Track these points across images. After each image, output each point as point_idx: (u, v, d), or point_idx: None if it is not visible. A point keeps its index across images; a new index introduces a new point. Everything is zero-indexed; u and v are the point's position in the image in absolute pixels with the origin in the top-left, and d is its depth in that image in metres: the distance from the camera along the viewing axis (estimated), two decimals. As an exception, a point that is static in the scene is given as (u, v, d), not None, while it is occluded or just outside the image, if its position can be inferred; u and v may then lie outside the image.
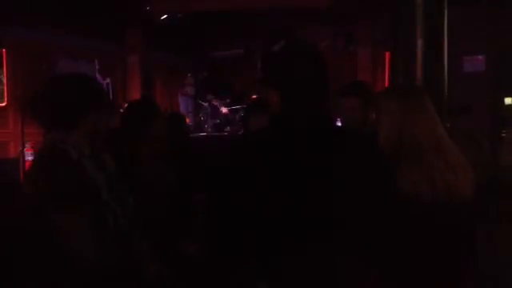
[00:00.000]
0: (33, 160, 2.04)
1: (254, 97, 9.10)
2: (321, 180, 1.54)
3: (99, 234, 1.80)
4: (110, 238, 1.84)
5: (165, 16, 9.05)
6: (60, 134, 1.85)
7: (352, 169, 1.56)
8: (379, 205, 1.58)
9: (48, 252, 1.76)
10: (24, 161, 6.22)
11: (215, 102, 9.89)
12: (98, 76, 8.36)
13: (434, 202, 1.77)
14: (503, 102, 6.49)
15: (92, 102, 1.91)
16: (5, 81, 6.97)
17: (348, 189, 1.54)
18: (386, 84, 8.23)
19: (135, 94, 8.99)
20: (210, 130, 9.45)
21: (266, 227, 1.55)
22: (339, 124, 3.02)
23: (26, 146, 6.29)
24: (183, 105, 9.67)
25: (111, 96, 8.53)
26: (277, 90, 1.64)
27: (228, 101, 9.98)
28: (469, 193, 1.86)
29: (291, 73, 1.61)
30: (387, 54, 8.22)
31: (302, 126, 1.61)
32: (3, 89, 6.98)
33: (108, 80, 8.54)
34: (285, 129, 1.62)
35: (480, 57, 6.36)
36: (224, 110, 9.79)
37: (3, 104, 7.03)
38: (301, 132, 1.60)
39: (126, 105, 8.33)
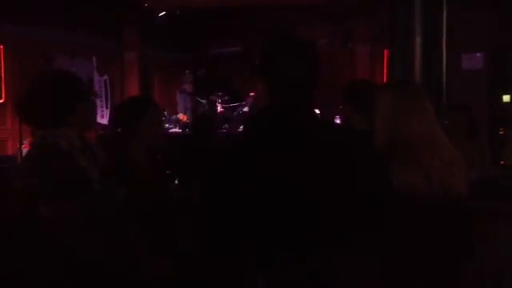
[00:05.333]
0: (24, 155, 2.05)
1: (252, 94, 9.10)
2: (316, 178, 1.53)
3: (90, 224, 1.80)
4: (101, 228, 1.84)
5: (163, 13, 9.03)
6: (49, 131, 1.85)
7: (347, 166, 1.55)
8: (375, 202, 1.58)
9: (40, 242, 1.76)
10: (22, 158, 6.20)
11: (214, 98, 9.88)
12: (96, 73, 8.34)
13: (429, 199, 1.77)
14: (501, 99, 6.49)
15: (78, 99, 1.91)
16: (3, 77, 6.95)
17: (343, 187, 1.54)
18: (385, 81, 8.23)
19: (133, 91, 8.97)
20: (208, 127, 9.43)
21: (265, 226, 1.55)
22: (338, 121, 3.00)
23: (24, 143, 6.27)
24: (181, 102, 9.65)
25: (109, 93, 8.52)
26: (265, 82, 1.64)
27: (226, 98, 9.97)
28: (464, 190, 1.86)
29: (275, 66, 1.61)
30: (386, 52, 8.21)
31: (292, 120, 1.60)
32: (1, 86, 6.96)
33: (106, 77, 8.52)
34: (274, 124, 1.62)
35: (478, 54, 6.35)
36: (219, 108, 9.78)
37: (1, 101, 7.01)
38: (286, 126, 1.59)
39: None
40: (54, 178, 1.74)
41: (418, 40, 4.69)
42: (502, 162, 4.12)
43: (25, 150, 6.24)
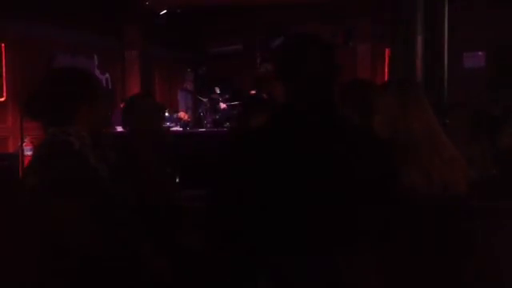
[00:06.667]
0: (33, 152, 2.06)
1: (253, 92, 9.10)
2: (322, 176, 1.53)
3: (99, 224, 1.80)
4: (109, 228, 1.84)
5: (164, 11, 9.03)
6: (61, 128, 1.85)
7: (355, 163, 1.55)
8: (380, 201, 1.58)
9: (48, 242, 1.76)
10: (23, 156, 6.21)
11: (215, 96, 9.88)
12: (97, 71, 8.34)
13: (429, 198, 1.77)
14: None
15: (88, 97, 1.91)
16: (4, 76, 6.95)
17: (350, 184, 1.53)
18: (386, 80, 8.22)
19: (134, 89, 8.97)
20: (209, 125, 9.45)
21: (267, 225, 1.55)
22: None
23: (25, 141, 6.27)
24: (182, 101, 9.66)
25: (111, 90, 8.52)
26: (285, 82, 1.62)
27: (227, 97, 9.97)
28: (464, 189, 1.86)
29: (304, 64, 1.60)
30: (387, 51, 8.21)
31: (306, 117, 1.60)
32: (2, 83, 6.96)
33: (107, 75, 8.53)
34: (288, 120, 1.61)
35: (480, 53, 6.35)
36: (222, 105, 9.78)
37: (2, 99, 7.01)
38: (303, 124, 1.59)
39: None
40: (64, 176, 1.74)
41: (420, 39, 4.69)
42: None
43: (26, 148, 6.24)
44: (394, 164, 1.72)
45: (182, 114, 9.22)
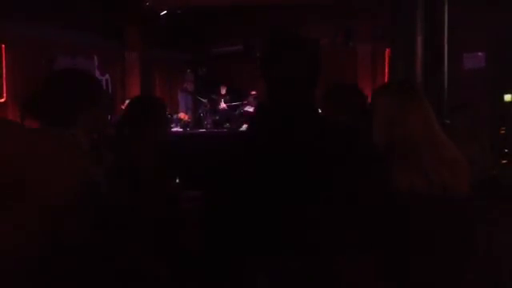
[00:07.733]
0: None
1: (253, 93, 9.11)
2: (314, 176, 1.53)
3: (96, 227, 1.80)
4: (106, 231, 1.84)
5: (164, 12, 9.04)
6: (59, 130, 1.86)
7: (345, 164, 1.55)
8: (375, 202, 1.58)
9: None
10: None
11: (215, 97, 9.90)
12: (97, 72, 8.35)
13: (430, 200, 1.77)
14: (502, 98, 6.49)
15: (89, 99, 1.91)
16: (4, 77, 6.96)
17: (342, 185, 1.54)
18: (386, 80, 8.23)
19: (134, 90, 8.98)
20: (209, 126, 9.46)
21: (265, 225, 1.55)
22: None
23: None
24: (183, 101, 9.67)
25: (110, 92, 8.53)
26: (265, 81, 1.64)
27: (227, 97, 9.98)
28: (465, 189, 1.86)
29: (276, 65, 1.61)
30: (387, 51, 8.22)
31: (288, 118, 1.60)
32: (2, 84, 6.97)
33: (107, 76, 8.53)
34: (270, 122, 1.62)
35: (480, 53, 6.35)
36: (222, 105, 9.80)
37: (2, 100, 7.02)
38: (288, 125, 1.59)
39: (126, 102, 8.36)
40: None
41: (420, 39, 4.69)
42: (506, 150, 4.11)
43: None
44: (385, 162, 1.72)
45: (182, 115, 9.24)
